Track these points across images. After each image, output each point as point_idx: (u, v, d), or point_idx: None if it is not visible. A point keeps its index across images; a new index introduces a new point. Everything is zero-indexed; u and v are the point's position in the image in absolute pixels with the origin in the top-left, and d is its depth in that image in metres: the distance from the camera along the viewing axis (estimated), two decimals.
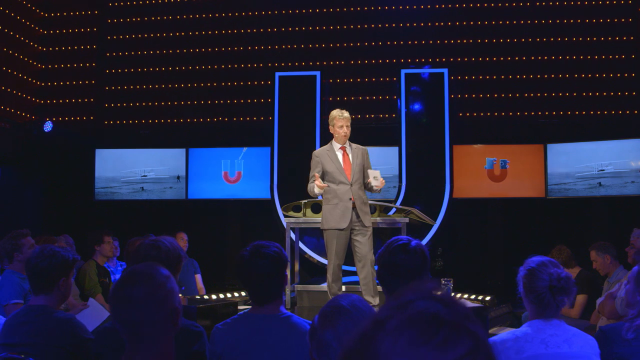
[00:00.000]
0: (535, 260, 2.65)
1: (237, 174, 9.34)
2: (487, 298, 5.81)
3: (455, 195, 8.65)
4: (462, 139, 8.79)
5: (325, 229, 5.66)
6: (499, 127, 9.07)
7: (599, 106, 8.87)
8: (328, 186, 5.59)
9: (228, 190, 9.32)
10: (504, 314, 5.38)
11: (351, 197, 5.59)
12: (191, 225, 9.14)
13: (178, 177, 9.39)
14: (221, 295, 6.33)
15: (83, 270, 6.08)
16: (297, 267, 6.92)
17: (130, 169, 9.46)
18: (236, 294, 6.79)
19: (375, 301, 5.44)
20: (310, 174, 5.75)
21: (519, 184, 8.84)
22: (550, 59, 8.98)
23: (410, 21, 9.23)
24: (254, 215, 9.22)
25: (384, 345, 0.79)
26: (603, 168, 8.53)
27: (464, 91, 9.12)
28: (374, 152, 8.96)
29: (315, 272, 8.27)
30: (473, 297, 5.90)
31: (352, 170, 5.66)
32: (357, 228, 5.60)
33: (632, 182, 8.39)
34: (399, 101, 8.68)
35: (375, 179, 5.63)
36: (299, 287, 6.64)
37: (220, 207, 9.37)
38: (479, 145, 8.93)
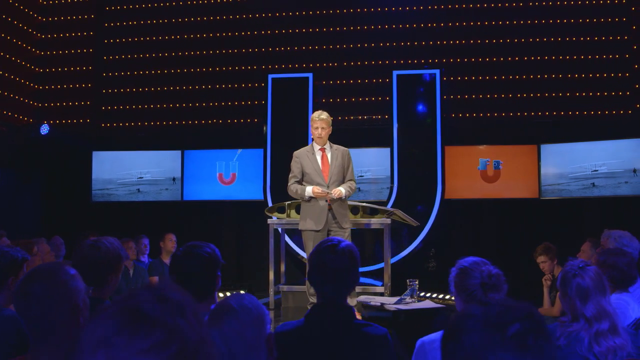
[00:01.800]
0: (467, 260, 2.66)
1: (232, 175, 9.41)
2: None
3: (448, 196, 8.64)
4: (455, 139, 8.77)
5: (302, 230, 5.70)
6: (493, 128, 9.05)
7: (592, 106, 8.82)
8: (328, 194, 5.56)
9: (223, 191, 9.39)
10: None
11: (327, 199, 5.61)
12: (186, 226, 9.23)
13: (174, 179, 9.48)
14: None
15: None
16: (282, 268, 6.97)
17: (127, 171, 9.57)
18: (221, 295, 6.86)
19: (352, 302, 5.47)
20: (291, 175, 5.79)
21: (513, 185, 8.80)
22: (543, 59, 8.95)
23: (402, 23, 9.25)
24: (248, 217, 9.27)
25: (85, 331, 0.84)
26: (597, 169, 8.47)
27: (457, 92, 9.11)
28: (367, 153, 9.03)
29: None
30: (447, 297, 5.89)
31: (330, 172, 5.68)
32: (334, 229, 5.62)
33: (626, 182, 8.33)
34: (391, 102, 8.69)
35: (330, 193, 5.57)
36: (284, 287, 6.67)
37: (215, 209, 9.43)
38: (472, 146, 8.91)
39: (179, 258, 2.55)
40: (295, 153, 5.91)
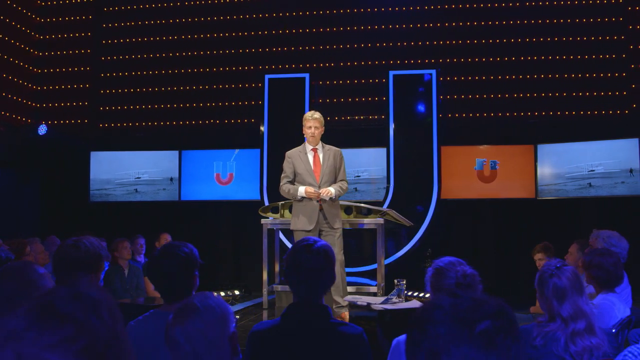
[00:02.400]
0: (443, 260, 2.68)
1: (229, 175, 9.43)
2: None
3: (445, 197, 8.65)
4: (451, 140, 8.77)
5: (293, 230, 5.72)
6: (489, 128, 9.05)
7: (589, 106, 8.81)
8: (319, 195, 5.57)
9: (220, 191, 9.42)
10: None
11: (318, 199, 5.63)
12: (184, 226, 9.26)
13: (171, 179, 9.51)
14: None
15: None
16: (277, 268, 6.99)
17: (125, 171, 9.60)
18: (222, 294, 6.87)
19: (343, 302, 5.48)
20: (283, 175, 5.82)
21: (509, 185, 8.80)
22: (540, 59, 8.94)
23: (398, 23, 9.26)
24: (245, 216, 9.27)
25: (8, 322, 0.86)
26: (593, 169, 8.46)
27: (453, 92, 9.11)
28: (363, 153, 9.05)
29: None
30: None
31: (322, 172, 5.70)
32: (325, 229, 5.64)
33: (622, 182, 8.32)
34: (387, 102, 8.69)
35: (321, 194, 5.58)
36: (278, 287, 6.68)
37: (213, 209, 9.46)
38: (469, 146, 8.91)
39: (157, 258, 2.57)
40: (288, 153, 5.93)
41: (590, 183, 8.49)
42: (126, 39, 10.01)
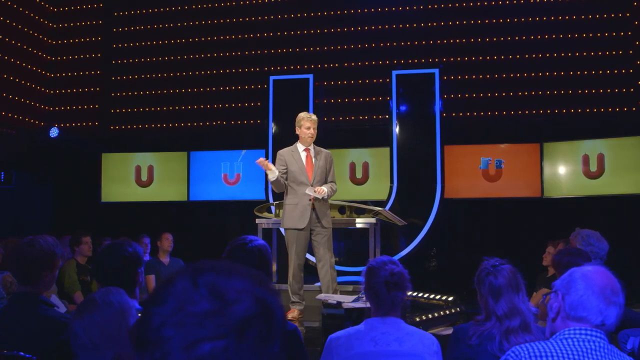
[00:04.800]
0: (377, 259, 2.73)
1: (237, 176, 9.56)
2: (450, 298, 5.81)
3: (450, 196, 8.62)
4: (456, 139, 8.74)
5: (285, 229, 5.79)
6: (494, 127, 9.00)
7: (595, 104, 8.70)
8: (274, 170, 5.71)
9: (228, 191, 9.55)
10: (451, 314, 5.38)
11: (311, 197, 5.69)
12: (192, 226, 9.41)
13: (180, 180, 9.67)
14: None
15: (63, 269, 6.37)
16: (274, 267, 7.07)
17: (135, 172, 9.81)
18: None
19: (300, 300, 5.57)
20: None
21: (515, 184, 8.74)
22: (544, 57, 8.86)
23: (401, 22, 9.27)
24: (252, 216, 9.39)
25: None
26: (599, 167, 8.36)
27: (457, 91, 9.08)
28: (367, 153, 9.09)
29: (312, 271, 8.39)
30: (437, 297, 5.90)
31: (314, 172, 5.77)
32: (316, 229, 5.71)
33: (630, 180, 8.20)
34: (390, 102, 8.71)
35: (315, 191, 5.66)
36: (275, 286, 6.76)
37: (221, 209, 9.59)
38: (473, 145, 8.87)
39: (101, 256, 2.68)
40: (279, 152, 6.02)
41: (597, 181, 8.39)
42: (135, 43, 10.22)
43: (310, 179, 5.77)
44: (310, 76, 8.95)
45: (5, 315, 2.79)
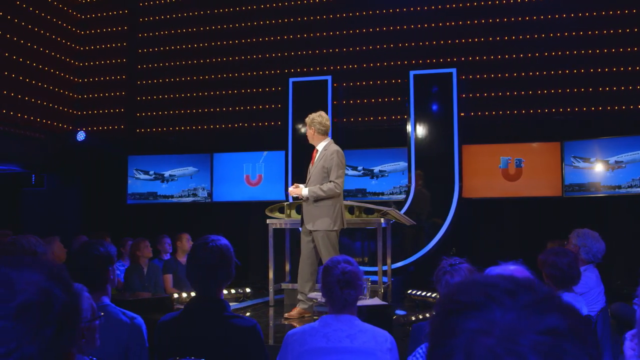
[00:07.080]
0: (333, 258, 2.81)
1: (258, 177, 9.71)
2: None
3: (470, 196, 8.61)
4: (476, 138, 8.70)
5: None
6: (514, 126, 8.92)
7: (616, 101, 8.55)
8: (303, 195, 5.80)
9: (250, 192, 9.70)
10: None
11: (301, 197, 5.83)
12: (216, 226, 9.55)
13: (203, 181, 9.88)
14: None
15: None
16: (287, 267, 7.20)
17: (160, 174, 10.05)
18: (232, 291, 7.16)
19: (307, 299, 5.68)
20: None
21: (535, 183, 8.66)
22: (564, 54, 8.75)
23: (418, 22, 9.28)
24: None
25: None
26: (621, 165, 8.22)
27: (476, 90, 9.04)
28: (385, 153, 9.12)
29: None
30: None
31: (310, 172, 5.88)
32: (303, 229, 5.86)
33: None
34: (408, 102, 8.73)
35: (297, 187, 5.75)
36: (288, 285, 6.88)
37: (243, 209, 9.73)
38: (493, 144, 8.82)
39: (76, 255, 2.82)
40: None
41: (617, 180, 8.25)
42: (159, 48, 10.48)
43: (307, 178, 5.89)
44: (329, 77, 9.05)
45: None
